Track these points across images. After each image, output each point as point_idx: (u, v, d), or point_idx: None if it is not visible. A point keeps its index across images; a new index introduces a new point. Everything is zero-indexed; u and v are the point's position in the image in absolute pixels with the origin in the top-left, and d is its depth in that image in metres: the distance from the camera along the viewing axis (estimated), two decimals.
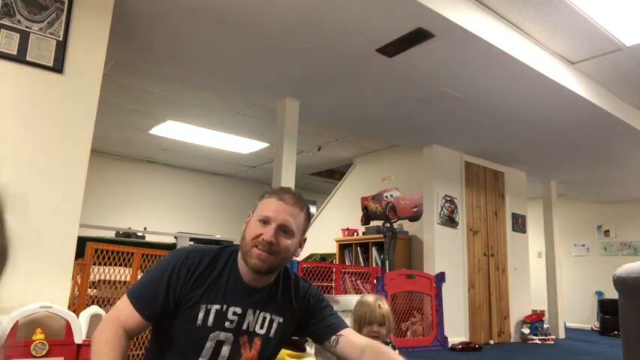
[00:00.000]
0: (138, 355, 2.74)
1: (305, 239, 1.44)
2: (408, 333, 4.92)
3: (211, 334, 1.31)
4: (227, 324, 1.33)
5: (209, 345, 1.31)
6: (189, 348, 1.31)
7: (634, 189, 7.49)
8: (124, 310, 1.29)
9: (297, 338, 1.52)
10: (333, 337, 1.40)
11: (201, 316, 1.30)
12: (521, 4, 3.22)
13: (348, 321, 1.59)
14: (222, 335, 1.32)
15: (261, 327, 1.38)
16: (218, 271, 1.36)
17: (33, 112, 2.41)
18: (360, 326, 2.02)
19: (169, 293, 1.30)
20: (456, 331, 5.39)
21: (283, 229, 1.34)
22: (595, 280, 8.23)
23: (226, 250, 1.41)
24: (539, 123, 4.88)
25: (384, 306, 2.05)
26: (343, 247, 6.32)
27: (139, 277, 3.00)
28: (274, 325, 1.40)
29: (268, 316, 1.39)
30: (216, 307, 1.32)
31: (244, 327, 1.35)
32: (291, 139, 4.43)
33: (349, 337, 1.40)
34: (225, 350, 1.33)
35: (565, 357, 4.90)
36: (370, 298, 2.09)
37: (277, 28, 3.28)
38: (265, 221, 1.33)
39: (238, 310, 1.34)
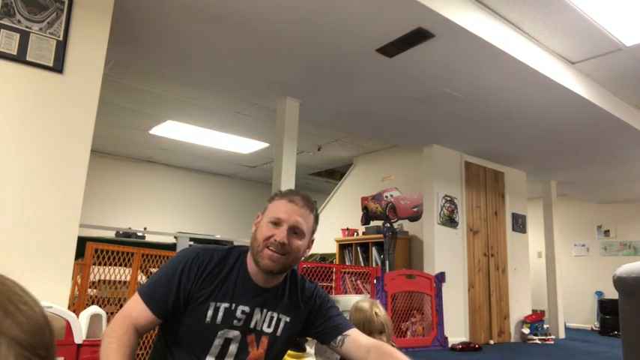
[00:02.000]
0: (142, 354, 2.74)
1: (313, 240, 1.47)
2: (408, 333, 4.92)
3: (220, 332, 1.33)
4: (235, 322, 1.35)
5: (217, 342, 1.33)
6: (198, 345, 1.33)
7: (634, 189, 7.49)
8: (136, 308, 1.30)
9: (297, 338, 1.53)
10: (339, 338, 1.41)
11: (210, 313, 1.32)
12: (521, 4, 3.22)
13: None
14: (231, 333, 1.34)
15: (269, 326, 1.40)
16: (227, 270, 1.38)
17: (33, 112, 2.41)
18: None
19: (180, 291, 1.32)
20: (456, 331, 5.39)
21: (294, 230, 1.37)
22: (595, 280, 8.24)
23: (235, 250, 1.43)
24: (540, 123, 4.88)
25: (381, 312, 1.97)
26: (343, 247, 6.32)
27: (139, 276, 3.01)
28: (281, 325, 1.42)
29: (276, 316, 1.41)
30: (225, 305, 1.34)
31: (252, 325, 1.37)
32: (291, 139, 4.42)
33: (355, 338, 1.41)
34: (233, 348, 1.35)
35: (565, 357, 4.89)
36: (365, 304, 1.99)
37: (277, 28, 3.28)
38: (277, 223, 1.36)
39: (246, 309, 1.36)
